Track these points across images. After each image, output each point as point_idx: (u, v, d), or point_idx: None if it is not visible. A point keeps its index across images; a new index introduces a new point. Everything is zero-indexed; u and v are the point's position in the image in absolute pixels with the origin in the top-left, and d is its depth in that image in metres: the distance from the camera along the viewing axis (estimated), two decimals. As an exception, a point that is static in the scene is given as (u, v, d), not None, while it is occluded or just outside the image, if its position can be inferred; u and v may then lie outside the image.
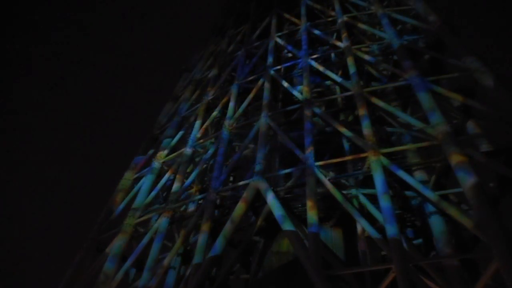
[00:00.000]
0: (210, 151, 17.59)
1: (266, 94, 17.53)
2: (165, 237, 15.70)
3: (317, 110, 15.93)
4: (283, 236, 15.22)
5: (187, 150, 18.17)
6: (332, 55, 20.16)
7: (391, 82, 17.95)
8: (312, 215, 12.47)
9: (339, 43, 18.57)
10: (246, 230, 15.75)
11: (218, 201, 16.03)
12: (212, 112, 19.46)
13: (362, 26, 19.44)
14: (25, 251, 61.20)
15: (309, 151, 14.26)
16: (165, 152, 19.36)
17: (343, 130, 15.05)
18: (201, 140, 18.62)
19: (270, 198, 13.70)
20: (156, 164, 18.92)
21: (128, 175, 19.77)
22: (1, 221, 61.78)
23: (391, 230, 11.26)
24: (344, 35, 18.60)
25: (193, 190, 18.43)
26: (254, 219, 15.52)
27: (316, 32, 19.92)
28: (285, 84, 18.18)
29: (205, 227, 14.05)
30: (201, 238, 13.78)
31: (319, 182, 13.51)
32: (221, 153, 16.51)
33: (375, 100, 15.29)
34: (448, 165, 12.46)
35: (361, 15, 20.82)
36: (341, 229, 16.06)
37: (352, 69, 16.67)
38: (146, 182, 18.27)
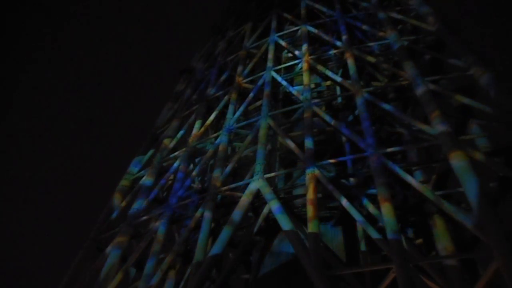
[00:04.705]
0: (210, 150, 17.61)
1: (266, 94, 17.54)
2: (165, 237, 15.70)
3: (317, 110, 15.94)
4: (283, 236, 15.22)
5: (187, 150, 18.19)
6: (332, 55, 20.17)
7: (391, 82, 17.99)
8: (312, 215, 12.48)
9: (339, 43, 18.59)
10: (246, 230, 15.76)
11: (218, 201, 16.03)
12: (212, 112, 19.47)
13: (362, 26, 19.46)
14: (25, 251, 61.20)
15: (309, 151, 14.26)
16: (165, 152, 19.38)
17: (343, 130, 15.08)
18: (202, 140, 18.66)
19: (270, 198, 13.71)
20: (156, 164, 18.93)
21: (128, 175, 19.79)
22: (1, 221, 61.78)
23: (391, 230, 11.27)
24: (344, 35, 18.63)
25: (193, 190, 18.46)
26: (254, 219, 15.54)
27: (316, 32, 19.94)
28: (285, 84, 18.20)
29: (205, 227, 14.06)
30: (201, 238, 13.79)
31: (319, 182, 13.52)
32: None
33: (375, 100, 15.31)
34: (448, 165, 12.48)
35: (361, 15, 20.84)
36: (341, 229, 16.07)
37: (352, 69, 16.69)
38: (146, 182, 18.26)
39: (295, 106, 17.31)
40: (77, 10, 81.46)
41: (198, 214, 14.95)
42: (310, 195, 12.95)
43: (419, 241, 15.97)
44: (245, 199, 14.10)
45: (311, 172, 13.48)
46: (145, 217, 16.88)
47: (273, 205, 13.44)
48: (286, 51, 21.12)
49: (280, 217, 13.00)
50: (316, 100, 17.39)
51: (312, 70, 18.12)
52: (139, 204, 17.29)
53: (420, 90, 14.60)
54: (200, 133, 18.73)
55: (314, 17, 21.16)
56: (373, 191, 13.91)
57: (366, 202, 13.96)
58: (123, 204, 18.41)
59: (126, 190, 19.30)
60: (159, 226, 15.41)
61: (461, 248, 14.35)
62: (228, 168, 16.12)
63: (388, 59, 19.34)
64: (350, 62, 17.08)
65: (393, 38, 17.44)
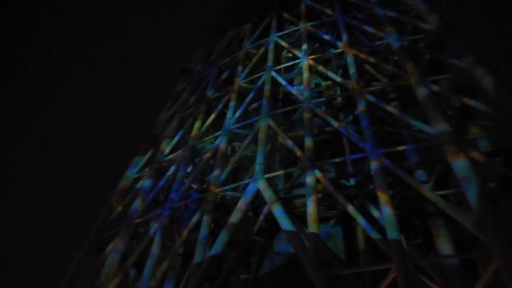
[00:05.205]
0: (210, 149, 17.60)
1: (266, 94, 17.53)
2: (165, 237, 15.69)
3: (317, 110, 15.94)
4: (283, 236, 15.22)
5: (187, 150, 18.18)
6: (332, 55, 20.15)
7: (391, 82, 17.98)
8: (312, 215, 12.47)
9: (339, 43, 18.58)
10: (246, 230, 15.74)
11: (218, 201, 16.02)
12: (212, 112, 19.46)
13: (362, 26, 19.44)
14: (25, 251, 61.17)
15: (310, 151, 14.24)
16: (165, 152, 19.37)
17: (342, 130, 15.07)
18: (202, 140, 18.65)
19: (270, 198, 13.70)
20: (156, 164, 18.92)
21: (128, 175, 19.78)
22: (1, 221, 61.75)
23: (391, 230, 11.26)
24: (344, 35, 18.62)
25: (193, 190, 18.46)
26: (254, 219, 15.52)
27: (316, 32, 19.92)
28: (285, 84, 18.18)
29: (205, 227, 14.06)
30: (201, 238, 13.79)
31: (319, 182, 13.51)
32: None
33: (374, 100, 15.30)
34: (448, 165, 12.47)
35: (361, 15, 20.82)
36: (341, 229, 16.06)
37: (352, 69, 16.68)
38: (146, 182, 18.26)
39: (295, 106, 17.31)
40: (76, 10, 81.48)
41: (198, 215, 14.95)
42: (311, 196, 12.92)
43: (419, 241, 15.96)
44: (245, 199, 14.10)
45: (313, 174, 13.46)
46: (144, 217, 16.87)
47: (273, 205, 13.43)
48: (286, 51, 21.10)
49: (280, 217, 13.00)
50: (316, 100, 17.38)
51: (312, 70, 18.11)
52: (138, 204, 17.28)
53: (421, 91, 14.57)
54: (199, 134, 18.72)
55: (314, 17, 21.14)
56: (373, 191, 13.88)
57: (366, 202, 13.96)
58: (123, 204, 18.40)
59: (125, 190, 19.30)
60: (158, 226, 15.41)
61: (461, 248, 14.34)
62: (228, 168, 16.11)
63: (388, 59, 19.32)
64: (350, 62, 17.07)
65: (393, 38, 17.43)
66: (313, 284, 10.92)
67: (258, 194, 14.32)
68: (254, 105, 19.96)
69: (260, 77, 18.96)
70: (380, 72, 19.58)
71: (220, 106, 19.31)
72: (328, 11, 21.05)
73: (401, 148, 15.04)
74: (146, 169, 19.27)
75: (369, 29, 19.21)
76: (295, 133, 18.15)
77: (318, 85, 20.19)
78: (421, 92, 14.50)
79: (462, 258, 13.99)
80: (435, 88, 14.75)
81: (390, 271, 10.64)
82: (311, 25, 20.14)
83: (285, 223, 12.74)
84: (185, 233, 15.06)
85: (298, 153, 14.60)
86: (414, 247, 14.29)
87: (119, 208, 18.19)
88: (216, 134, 17.92)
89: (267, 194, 13.84)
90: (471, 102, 14.29)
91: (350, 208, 12.88)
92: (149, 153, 20.50)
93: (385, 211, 11.79)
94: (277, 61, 20.78)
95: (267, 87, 17.88)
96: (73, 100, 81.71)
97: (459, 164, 11.82)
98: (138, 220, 16.75)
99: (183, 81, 24.45)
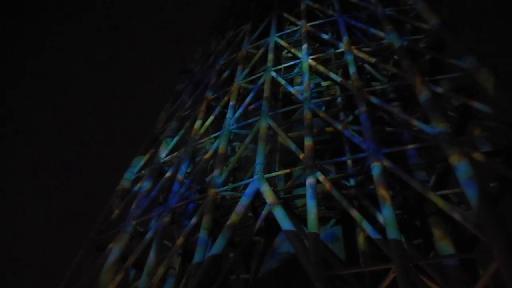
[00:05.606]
0: (211, 150, 17.60)
1: (266, 94, 17.52)
2: (165, 237, 15.68)
3: (317, 110, 15.93)
4: (283, 236, 15.21)
5: (187, 150, 18.18)
6: (332, 55, 20.15)
7: (391, 82, 17.98)
8: (312, 215, 12.46)
9: (339, 43, 18.57)
10: (246, 230, 15.74)
11: (218, 201, 16.01)
12: (212, 112, 19.46)
13: (362, 26, 19.44)
14: (25, 251, 61.20)
15: (310, 152, 14.23)
16: (165, 152, 19.37)
17: (343, 130, 15.06)
18: (202, 140, 18.64)
19: (270, 198, 13.70)
20: (156, 164, 18.92)
21: (128, 175, 19.78)
22: (1, 221, 61.81)
23: (391, 230, 11.26)
24: (344, 35, 18.61)
25: (193, 190, 18.45)
26: (254, 219, 15.52)
27: (316, 32, 19.92)
28: (285, 84, 18.18)
29: (205, 227, 14.05)
30: (201, 238, 13.79)
31: (319, 182, 13.50)
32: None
33: (374, 100, 15.29)
34: (448, 165, 12.47)
35: (361, 15, 20.81)
36: (341, 229, 16.06)
37: (352, 69, 16.67)
38: (145, 182, 18.26)
39: (295, 106, 17.29)
40: (76, 10, 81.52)
41: (197, 215, 14.95)
42: (312, 197, 12.91)
43: (419, 241, 15.95)
44: (245, 199, 14.10)
45: (313, 176, 13.43)
46: (144, 218, 16.87)
47: (273, 205, 13.43)
48: (286, 51, 21.10)
49: (280, 217, 12.99)
50: (316, 100, 17.37)
51: (312, 70, 18.10)
52: (138, 204, 17.28)
53: (425, 92, 14.52)
54: (200, 134, 18.72)
55: (314, 17, 21.14)
56: (373, 191, 13.88)
57: (366, 202, 13.95)
58: (123, 204, 18.40)
59: (125, 190, 19.30)
60: (159, 226, 15.41)
61: (461, 248, 14.34)
62: (228, 168, 16.11)
63: (388, 58, 19.32)
64: (351, 61, 17.06)
65: (393, 38, 17.42)
66: (313, 284, 10.92)
67: (258, 194, 14.31)
68: (254, 105, 19.93)
69: (260, 77, 18.95)
70: (380, 72, 19.58)
71: (220, 106, 19.30)
72: (329, 11, 21.05)
73: (403, 148, 15.06)
74: (146, 169, 19.26)
75: (369, 29, 19.21)
76: (297, 132, 18.11)
77: (318, 85, 20.18)
78: (425, 93, 14.43)
79: (462, 258, 13.99)
80: (439, 89, 14.72)
81: (390, 271, 10.62)
82: (311, 25, 20.13)
83: (285, 223, 12.73)
84: (184, 233, 15.06)
85: (301, 155, 14.50)
86: (414, 247, 14.28)
87: (118, 210, 18.18)
88: (216, 134, 17.92)
89: (268, 194, 13.84)
90: (472, 102, 14.29)
91: (351, 209, 12.86)
92: (149, 153, 20.51)
93: (385, 211, 11.79)
94: (277, 61, 20.78)
95: (267, 87, 17.87)
96: (72, 100, 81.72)
97: (459, 164, 11.82)
98: (138, 220, 16.75)
99: (183, 81, 24.45)
